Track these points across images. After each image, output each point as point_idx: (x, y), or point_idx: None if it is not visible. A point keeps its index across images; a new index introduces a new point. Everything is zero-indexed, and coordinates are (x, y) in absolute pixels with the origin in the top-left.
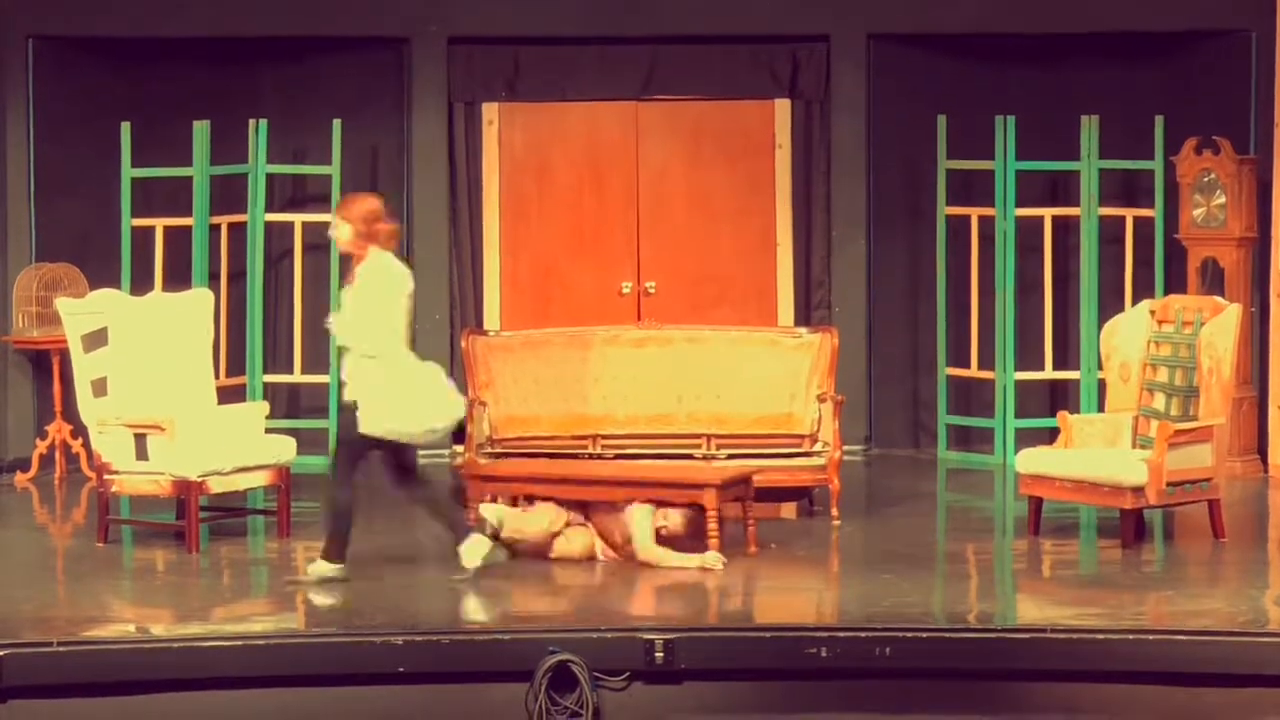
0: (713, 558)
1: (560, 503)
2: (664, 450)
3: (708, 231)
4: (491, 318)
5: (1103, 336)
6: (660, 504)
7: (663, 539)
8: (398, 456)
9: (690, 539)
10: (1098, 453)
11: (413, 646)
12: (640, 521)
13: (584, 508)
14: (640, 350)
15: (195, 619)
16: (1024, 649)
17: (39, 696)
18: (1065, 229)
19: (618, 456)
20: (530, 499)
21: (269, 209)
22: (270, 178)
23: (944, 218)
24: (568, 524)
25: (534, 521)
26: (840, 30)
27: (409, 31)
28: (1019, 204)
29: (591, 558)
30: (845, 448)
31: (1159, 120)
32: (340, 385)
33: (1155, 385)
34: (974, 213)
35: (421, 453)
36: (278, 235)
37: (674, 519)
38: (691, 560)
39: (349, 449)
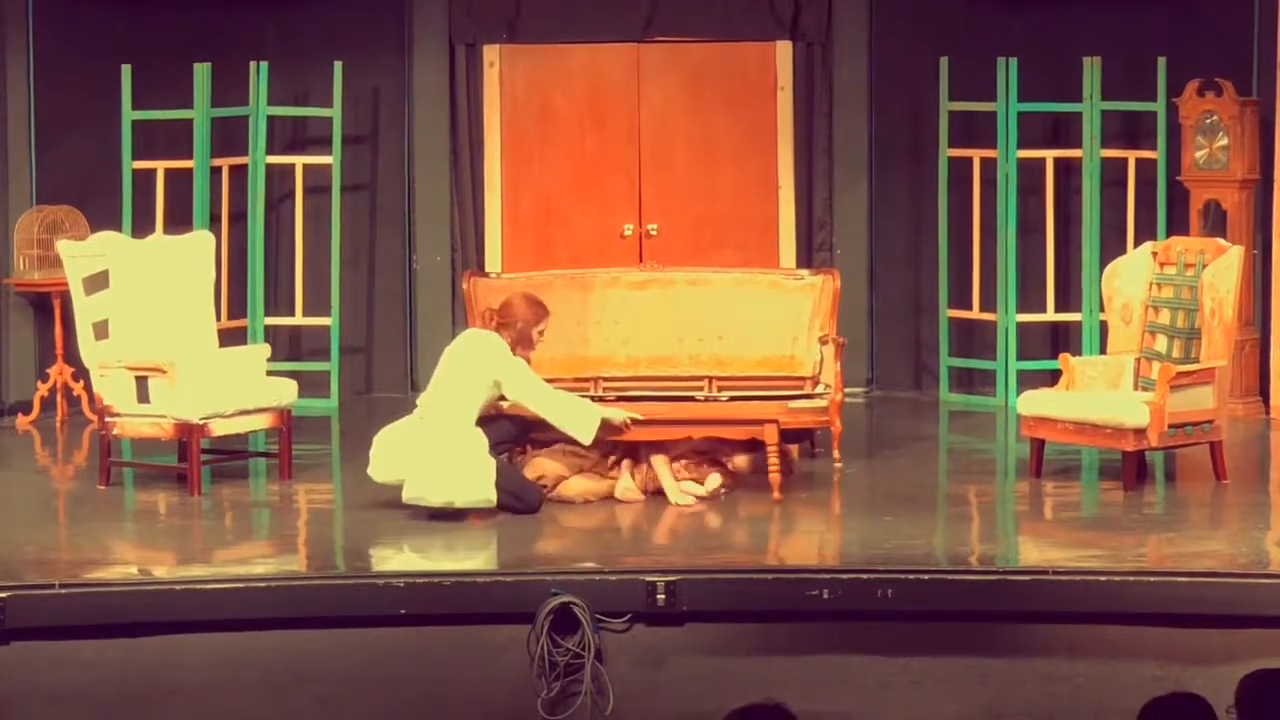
0: (714, 480)
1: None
2: (665, 393)
3: (709, 174)
4: (493, 260)
5: (1104, 278)
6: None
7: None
8: None
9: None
10: (1099, 395)
11: (414, 588)
12: (662, 470)
13: (632, 448)
14: (642, 292)
15: (197, 561)
16: (1025, 591)
17: (41, 638)
18: (1067, 171)
19: (619, 398)
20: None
21: (270, 151)
22: (271, 120)
23: (946, 159)
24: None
25: (560, 461)
26: None
27: None
28: (1021, 146)
29: (588, 501)
30: (847, 390)
31: (1161, 62)
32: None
33: (1157, 327)
34: (976, 154)
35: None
36: (279, 177)
37: (739, 461)
38: (699, 489)
39: None
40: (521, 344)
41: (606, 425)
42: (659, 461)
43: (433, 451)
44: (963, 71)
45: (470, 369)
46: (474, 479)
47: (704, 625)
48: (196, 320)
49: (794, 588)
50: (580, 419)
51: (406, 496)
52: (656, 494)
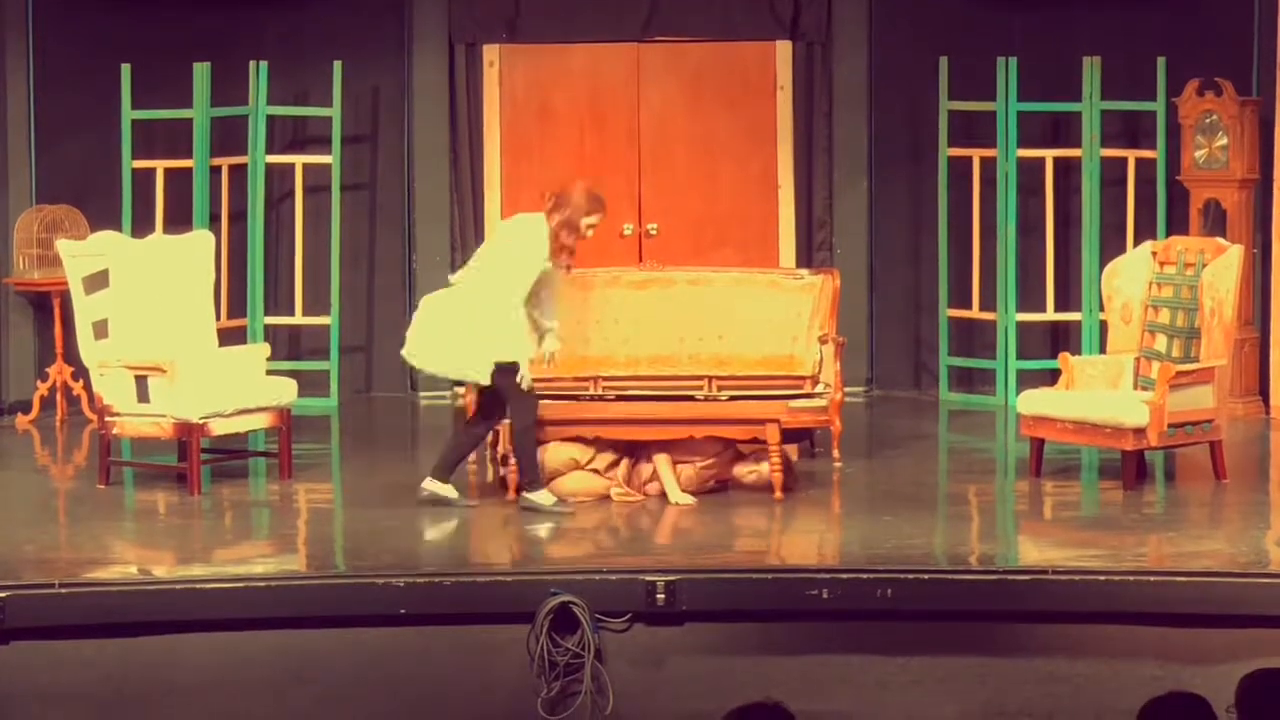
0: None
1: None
2: (665, 392)
3: (709, 173)
4: None
5: (1104, 278)
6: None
7: (745, 486)
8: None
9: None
10: (1099, 394)
11: (415, 588)
12: (664, 469)
13: (633, 449)
14: (642, 292)
15: (197, 561)
16: (1025, 590)
17: (41, 638)
18: (1067, 170)
19: (619, 398)
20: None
21: (270, 151)
22: (271, 119)
23: (946, 159)
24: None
25: (559, 454)
26: None
27: None
28: (1021, 145)
29: (582, 500)
30: (847, 389)
31: (1161, 61)
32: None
33: (1157, 327)
34: (976, 154)
35: (423, 394)
36: (278, 177)
37: (740, 474)
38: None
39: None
40: (568, 229)
41: (501, 369)
42: (661, 460)
43: (467, 324)
44: (962, 71)
45: (510, 247)
46: (480, 354)
47: (704, 625)
48: (196, 319)
49: (794, 587)
50: (497, 352)
51: (405, 353)
52: (657, 495)
